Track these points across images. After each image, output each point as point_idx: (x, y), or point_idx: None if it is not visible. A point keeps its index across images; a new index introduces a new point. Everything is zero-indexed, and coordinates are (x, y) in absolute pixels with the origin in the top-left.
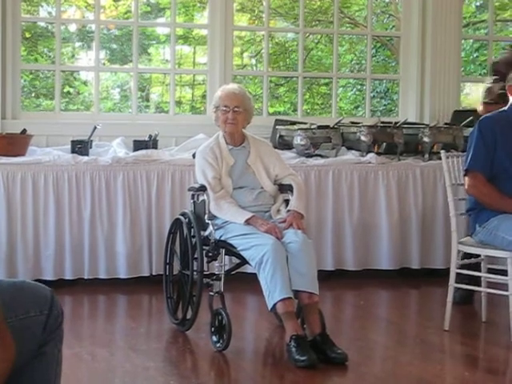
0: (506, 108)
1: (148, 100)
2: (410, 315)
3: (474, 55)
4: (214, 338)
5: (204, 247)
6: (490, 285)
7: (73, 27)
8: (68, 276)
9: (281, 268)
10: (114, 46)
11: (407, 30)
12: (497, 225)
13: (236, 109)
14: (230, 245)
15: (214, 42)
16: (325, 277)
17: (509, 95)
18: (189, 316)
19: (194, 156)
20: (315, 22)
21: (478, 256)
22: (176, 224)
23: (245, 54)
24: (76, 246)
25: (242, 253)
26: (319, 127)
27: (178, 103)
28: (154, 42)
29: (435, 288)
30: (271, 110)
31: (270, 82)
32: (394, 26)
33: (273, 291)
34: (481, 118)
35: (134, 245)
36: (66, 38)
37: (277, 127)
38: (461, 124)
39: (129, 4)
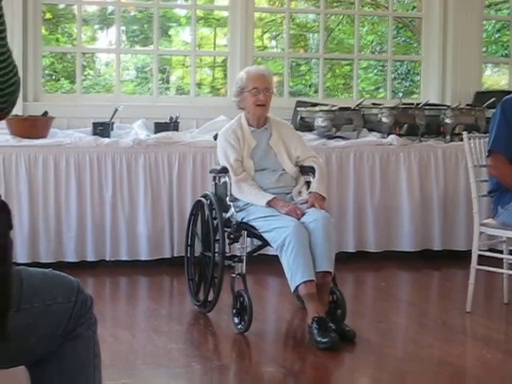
0: None
1: (168, 82)
2: (431, 297)
3: (496, 36)
4: (236, 320)
5: (226, 229)
6: None
7: (93, 8)
8: (90, 258)
9: (303, 250)
10: (135, 27)
11: (429, 10)
12: None
13: (266, 90)
14: (252, 227)
15: (235, 23)
16: (346, 258)
17: None
18: (210, 298)
19: (215, 138)
20: (336, 3)
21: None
22: (197, 206)
23: (265, 36)
24: (98, 228)
25: (263, 235)
26: (340, 109)
27: (199, 85)
28: (175, 23)
29: (457, 270)
30: (292, 86)
31: (292, 62)
32: (415, 7)
33: (295, 274)
34: (503, 99)
35: (156, 227)
36: (87, 20)
37: (298, 109)
38: (483, 105)
39: None
